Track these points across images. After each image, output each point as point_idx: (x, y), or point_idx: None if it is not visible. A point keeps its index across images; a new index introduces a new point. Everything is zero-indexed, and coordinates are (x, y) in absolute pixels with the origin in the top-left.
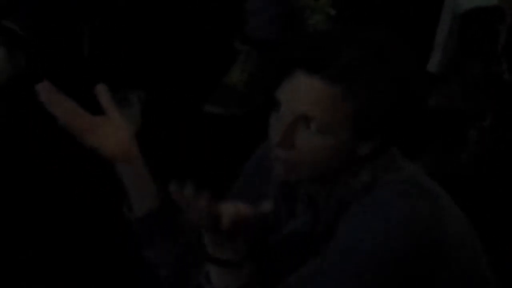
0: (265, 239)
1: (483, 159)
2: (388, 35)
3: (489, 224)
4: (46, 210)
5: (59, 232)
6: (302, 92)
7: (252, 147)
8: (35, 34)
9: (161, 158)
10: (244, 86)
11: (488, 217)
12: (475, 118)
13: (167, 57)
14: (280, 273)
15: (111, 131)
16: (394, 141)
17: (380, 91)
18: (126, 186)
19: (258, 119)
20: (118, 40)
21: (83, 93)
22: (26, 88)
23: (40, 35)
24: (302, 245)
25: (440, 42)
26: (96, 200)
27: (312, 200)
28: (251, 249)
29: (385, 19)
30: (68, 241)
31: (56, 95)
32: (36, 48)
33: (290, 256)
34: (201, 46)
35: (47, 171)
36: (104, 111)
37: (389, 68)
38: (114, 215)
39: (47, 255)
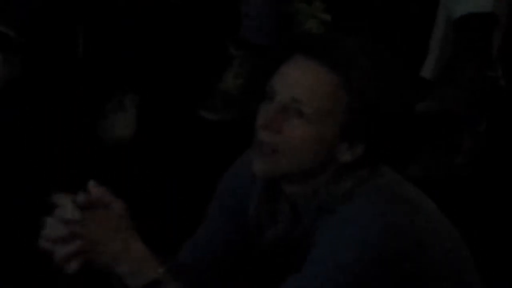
0: (247, 245)
1: (477, 165)
2: (381, 41)
3: (484, 227)
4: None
5: None
6: (299, 76)
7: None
8: (29, 37)
9: (155, 162)
10: (239, 91)
11: (483, 221)
12: (470, 124)
13: (162, 61)
14: (265, 277)
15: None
16: (376, 155)
17: (375, 88)
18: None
19: (253, 124)
20: (113, 45)
21: (77, 96)
22: (22, 92)
23: (34, 39)
24: (282, 251)
25: (435, 47)
26: None
27: (293, 206)
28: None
29: (379, 24)
30: None
31: None
32: (31, 52)
33: (273, 260)
34: (195, 51)
35: (44, 173)
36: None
37: (385, 69)
38: None
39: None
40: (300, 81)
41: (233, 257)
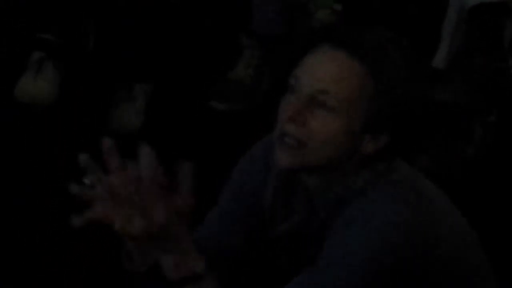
0: (262, 235)
1: (488, 155)
2: (392, 30)
3: (494, 219)
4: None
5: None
6: (327, 67)
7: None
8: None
9: (165, 153)
10: (250, 81)
11: (493, 212)
12: (481, 114)
13: (172, 52)
14: (277, 269)
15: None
16: (398, 147)
17: (403, 79)
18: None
19: (263, 114)
20: (124, 35)
21: (89, 86)
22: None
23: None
24: (297, 242)
25: (446, 37)
26: None
27: (309, 197)
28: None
29: (391, 13)
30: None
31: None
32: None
33: (285, 252)
34: (206, 41)
35: (44, 173)
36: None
37: (411, 60)
38: None
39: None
40: (327, 71)
41: (244, 245)
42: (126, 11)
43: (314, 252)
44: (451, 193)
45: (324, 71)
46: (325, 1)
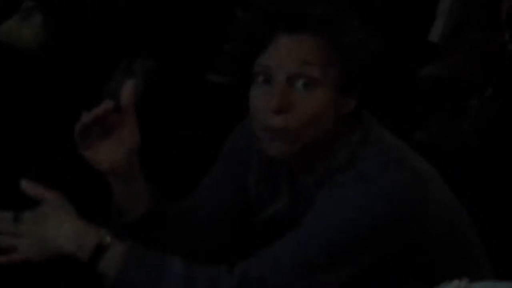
0: (249, 220)
1: (484, 130)
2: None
3: (491, 194)
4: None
5: None
6: (289, 52)
7: None
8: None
9: (163, 126)
10: None
11: (489, 188)
12: (477, 89)
13: (170, 25)
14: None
15: (113, 146)
16: (370, 99)
17: (360, 39)
18: (116, 195)
19: None
20: (120, 10)
21: (86, 61)
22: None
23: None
24: (284, 227)
25: (443, 11)
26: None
27: (293, 180)
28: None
29: None
30: None
31: None
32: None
33: (273, 238)
34: (203, 14)
35: (45, 173)
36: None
37: (362, 20)
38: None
39: None
40: (292, 57)
41: (230, 222)
42: None
43: None
44: (447, 167)
45: (291, 57)
46: None
